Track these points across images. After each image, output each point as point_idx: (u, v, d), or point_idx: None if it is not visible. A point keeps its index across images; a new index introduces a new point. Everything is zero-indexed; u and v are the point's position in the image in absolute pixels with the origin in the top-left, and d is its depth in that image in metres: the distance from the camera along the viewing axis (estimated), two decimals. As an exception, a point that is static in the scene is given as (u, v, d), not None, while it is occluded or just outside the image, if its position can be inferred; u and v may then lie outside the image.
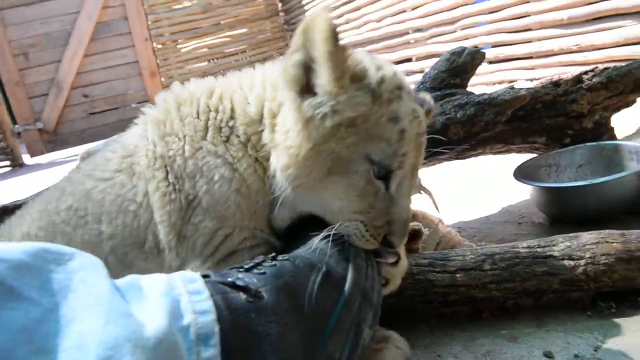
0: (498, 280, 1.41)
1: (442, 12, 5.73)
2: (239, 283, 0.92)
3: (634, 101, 2.40)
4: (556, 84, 2.30)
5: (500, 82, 4.91)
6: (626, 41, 3.57)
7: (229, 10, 10.18)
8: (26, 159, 8.53)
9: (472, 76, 2.16)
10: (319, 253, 1.12)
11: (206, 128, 1.26)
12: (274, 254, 1.10)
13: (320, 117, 1.09)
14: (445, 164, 2.31)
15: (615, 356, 1.24)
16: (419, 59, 6.44)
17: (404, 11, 6.50)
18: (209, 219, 1.21)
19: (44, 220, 1.33)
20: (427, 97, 1.36)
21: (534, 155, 2.36)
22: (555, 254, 1.42)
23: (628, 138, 2.28)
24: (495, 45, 5.00)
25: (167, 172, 1.24)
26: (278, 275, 1.00)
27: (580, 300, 1.48)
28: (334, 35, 1.02)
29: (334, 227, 1.14)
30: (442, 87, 2.05)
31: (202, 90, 1.33)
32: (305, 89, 1.10)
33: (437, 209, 1.71)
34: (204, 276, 0.93)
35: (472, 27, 5.28)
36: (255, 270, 1.00)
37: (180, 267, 1.24)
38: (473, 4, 5.26)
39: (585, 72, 2.33)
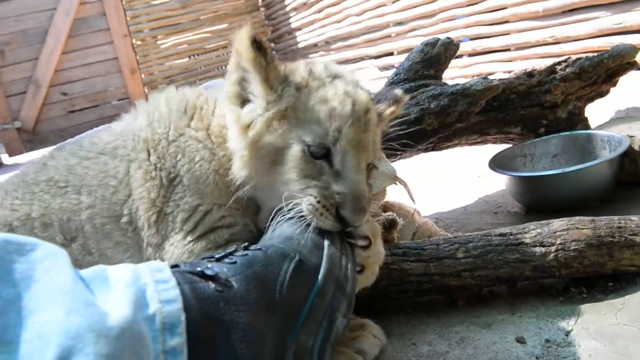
0: (471, 268, 1.43)
1: (420, 5, 5.74)
2: (208, 272, 0.92)
3: (607, 91, 2.44)
4: (530, 74, 2.33)
5: (478, 75, 4.93)
6: (600, 32, 3.61)
7: (209, 6, 10.11)
8: (4, 158, 8.39)
9: (446, 67, 2.17)
10: (292, 243, 1.12)
11: (191, 118, 1.38)
12: (246, 244, 1.10)
13: (255, 119, 1.22)
14: (422, 155, 2.33)
15: (585, 340, 1.26)
16: (400, 52, 6.46)
17: (384, 5, 6.51)
18: (189, 195, 1.29)
19: (21, 191, 1.36)
20: (397, 89, 1.44)
21: (509, 145, 2.38)
22: (527, 241, 1.44)
23: (601, 127, 2.31)
24: (474, 38, 5.04)
25: (149, 154, 1.34)
26: (249, 265, 1.00)
27: (553, 287, 1.51)
28: (254, 43, 1.16)
29: (286, 205, 1.19)
30: (417, 78, 2.06)
31: (192, 92, 1.47)
32: (245, 102, 1.25)
33: (413, 200, 1.72)
34: (174, 266, 0.93)
35: (451, 20, 5.30)
36: (226, 260, 0.99)
37: (160, 245, 1.29)
38: (451, -4, 5.29)
39: (559, 63, 2.36)
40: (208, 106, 1.41)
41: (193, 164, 1.31)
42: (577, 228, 1.43)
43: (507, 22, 4.55)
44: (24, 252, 0.75)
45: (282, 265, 1.05)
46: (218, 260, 1.00)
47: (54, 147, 2.07)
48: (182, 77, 9.82)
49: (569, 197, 1.94)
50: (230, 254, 1.03)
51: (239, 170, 1.25)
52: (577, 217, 1.47)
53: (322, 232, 1.16)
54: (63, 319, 0.68)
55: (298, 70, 1.25)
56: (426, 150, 2.23)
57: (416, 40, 6.00)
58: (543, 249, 1.42)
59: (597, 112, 2.58)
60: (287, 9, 9.32)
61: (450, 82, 2.20)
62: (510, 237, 1.46)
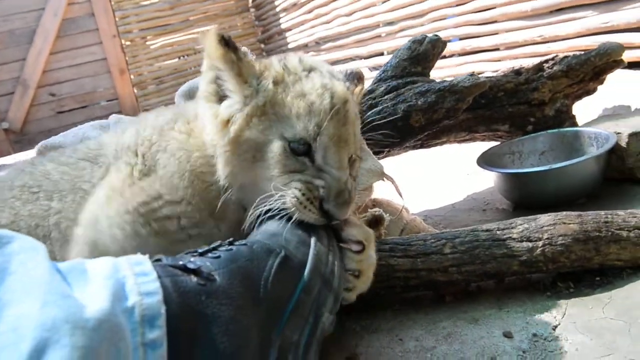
0: (458, 263, 1.43)
1: (410, 5, 5.75)
2: (190, 266, 0.91)
3: (594, 89, 2.45)
4: (517, 72, 2.33)
5: (468, 74, 4.95)
6: (588, 31, 3.63)
7: (198, 6, 10.06)
8: (-8, 159, 8.33)
9: (433, 64, 2.17)
10: (278, 239, 1.11)
11: (176, 122, 1.36)
12: (231, 239, 1.09)
13: (235, 114, 1.21)
14: (410, 153, 2.33)
15: (572, 334, 1.26)
16: (390, 52, 6.46)
17: (374, 5, 6.51)
18: (159, 185, 1.23)
19: None
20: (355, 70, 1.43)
21: (497, 143, 2.39)
22: (514, 236, 1.44)
23: (589, 125, 2.32)
24: (463, 38, 5.05)
25: (129, 156, 1.30)
26: (233, 259, 0.99)
27: (540, 282, 1.51)
28: (222, 41, 1.17)
29: (266, 198, 1.17)
30: (404, 75, 2.05)
31: (183, 107, 1.47)
32: (223, 99, 1.24)
33: (401, 196, 1.71)
34: (156, 260, 0.92)
35: (441, 19, 5.32)
36: (210, 254, 0.99)
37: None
38: (440, -4, 5.30)
39: (546, 61, 2.37)
40: (196, 117, 1.38)
41: (172, 159, 1.27)
42: (564, 223, 1.43)
43: (495, 21, 4.56)
44: (0, 244, 0.74)
45: (267, 260, 1.05)
46: (201, 254, 0.99)
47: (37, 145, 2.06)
48: (172, 77, 9.76)
49: (556, 193, 1.94)
50: (214, 248, 1.02)
51: (222, 168, 1.23)
52: (564, 212, 1.47)
53: (308, 229, 1.16)
54: (39, 311, 0.67)
55: (272, 65, 1.25)
56: (414, 147, 2.23)
57: (406, 40, 6.00)
58: (530, 244, 1.42)
59: (584, 110, 2.59)
60: (277, 9, 9.31)
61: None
62: (498, 232, 1.46)
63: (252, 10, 10.50)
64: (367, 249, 1.24)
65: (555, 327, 1.30)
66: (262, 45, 10.45)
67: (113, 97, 9.41)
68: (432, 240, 1.46)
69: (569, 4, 3.78)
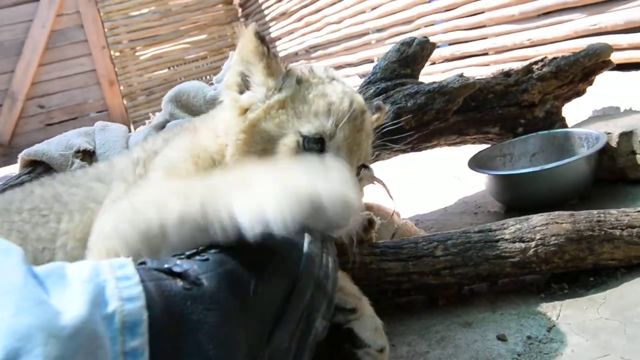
0: (450, 265, 1.41)
1: (399, 11, 5.76)
2: (176, 269, 0.87)
3: (584, 90, 2.44)
4: (507, 74, 2.32)
5: (458, 80, 4.94)
6: (576, 34, 3.63)
7: (188, 16, 10.05)
8: (-20, 173, 8.24)
9: (422, 66, 2.16)
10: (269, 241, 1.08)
11: (179, 133, 1.43)
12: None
13: (255, 103, 1.26)
14: (401, 157, 2.31)
15: (567, 335, 1.24)
16: (380, 59, 6.46)
17: (364, 12, 6.52)
18: (154, 170, 1.28)
19: (0, 220, 1.31)
20: (376, 101, 1.56)
21: (488, 145, 2.37)
22: (507, 237, 1.42)
23: (579, 126, 2.31)
24: (452, 43, 5.05)
25: (136, 165, 1.35)
26: (222, 263, 0.95)
27: (534, 284, 1.49)
28: (257, 35, 1.23)
29: None
30: (393, 78, 2.04)
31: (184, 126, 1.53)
32: (244, 92, 1.30)
33: (392, 198, 1.69)
34: (141, 263, 0.88)
35: (430, 25, 5.32)
36: (198, 257, 0.94)
37: None
38: (429, 2, 5.31)
39: (535, 62, 2.36)
40: (196, 130, 1.43)
41: (174, 152, 1.32)
42: (557, 222, 1.41)
43: (484, 26, 4.56)
44: None
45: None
46: (189, 257, 0.95)
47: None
48: (162, 88, 9.69)
49: (547, 194, 1.92)
50: (203, 251, 0.98)
51: (231, 156, 1.25)
52: (556, 212, 1.45)
53: (301, 230, 1.13)
54: (11, 319, 0.63)
55: (299, 67, 1.31)
56: (405, 151, 2.20)
57: (395, 47, 6.00)
58: (523, 245, 1.40)
59: (574, 111, 2.59)
60: (267, 18, 9.31)
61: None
62: (490, 233, 1.44)
63: (241, 19, 10.50)
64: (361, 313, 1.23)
65: (550, 329, 1.28)
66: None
67: (103, 108, 9.36)
68: (424, 243, 1.44)
69: (557, 7, 3.78)
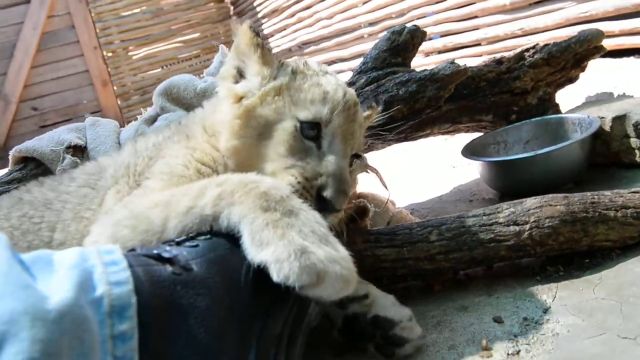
0: (445, 250, 1.40)
1: (391, 4, 5.74)
2: (165, 255, 0.87)
3: (577, 77, 2.44)
4: (499, 62, 2.32)
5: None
6: (567, 22, 3.62)
7: (180, 15, 10.00)
8: (-25, 176, 8.20)
9: (414, 55, 2.15)
10: None
11: (173, 135, 1.45)
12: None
13: (250, 91, 1.29)
14: (395, 146, 2.30)
15: (562, 316, 1.23)
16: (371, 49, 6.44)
17: (356, 6, 6.50)
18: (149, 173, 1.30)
19: None
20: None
21: (481, 134, 2.37)
22: (501, 220, 1.42)
23: (572, 111, 2.31)
24: (444, 35, 5.04)
25: (128, 170, 1.36)
26: (212, 248, 0.95)
27: (529, 267, 1.49)
28: (252, 28, 1.29)
29: None
30: (384, 67, 2.03)
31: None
32: (239, 82, 1.34)
33: (386, 187, 1.68)
34: (130, 250, 0.88)
35: (421, 17, 5.31)
36: (187, 244, 0.94)
37: None
38: (420, -6, 5.30)
39: (527, 50, 2.35)
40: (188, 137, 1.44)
41: (168, 157, 1.32)
42: (551, 205, 1.41)
43: (475, 17, 4.56)
44: None
45: None
46: (178, 244, 0.95)
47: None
48: (155, 87, 9.67)
49: (542, 180, 1.92)
50: (193, 237, 0.98)
51: (226, 141, 1.27)
52: (550, 195, 1.45)
53: None
54: None
55: (294, 60, 1.36)
56: (398, 140, 2.20)
57: (388, 41, 5.98)
58: (517, 228, 1.39)
59: (568, 98, 2.59)
60: (259, 15, 9.28)
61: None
62: (484, 217, 1.43)
63: (233, 17, 10.46)
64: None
65: (546, 310, 1.28)
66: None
67: (96, 109, 9.30)
68: (418, 229, 1.44)
69: (547, -5, 3.78)
